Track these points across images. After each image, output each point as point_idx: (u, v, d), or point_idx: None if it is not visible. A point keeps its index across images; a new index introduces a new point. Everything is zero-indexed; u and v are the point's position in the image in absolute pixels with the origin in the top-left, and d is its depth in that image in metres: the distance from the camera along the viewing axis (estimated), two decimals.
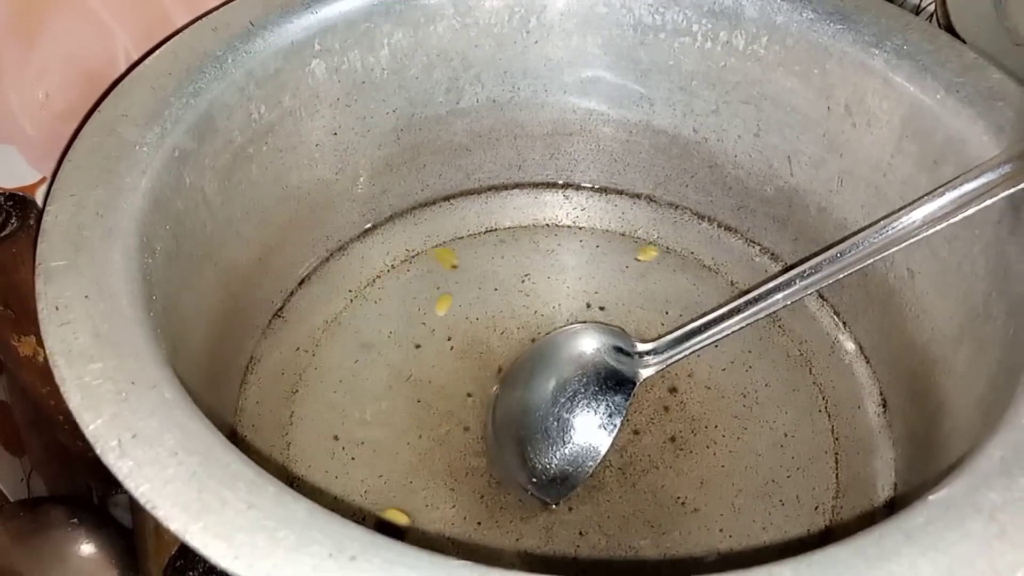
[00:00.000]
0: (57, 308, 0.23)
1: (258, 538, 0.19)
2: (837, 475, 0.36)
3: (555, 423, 0.34)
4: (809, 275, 0.32)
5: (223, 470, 0.20)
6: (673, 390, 0.38)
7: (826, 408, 0.38)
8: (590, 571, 0.33)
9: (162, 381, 0.22)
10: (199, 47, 0.33)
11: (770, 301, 0.32)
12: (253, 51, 0.34)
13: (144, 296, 0.26)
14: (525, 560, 0.33)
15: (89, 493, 0.51)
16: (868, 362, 0.38)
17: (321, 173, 0.39)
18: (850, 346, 0.39)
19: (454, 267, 0.42)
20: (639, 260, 0.43)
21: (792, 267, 0.32)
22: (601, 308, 0.42)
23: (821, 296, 0.41)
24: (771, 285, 0.32)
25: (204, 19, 0.34)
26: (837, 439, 0.37)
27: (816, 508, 0.35)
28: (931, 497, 0.20)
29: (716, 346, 0.38)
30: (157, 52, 0.32)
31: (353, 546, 0.19)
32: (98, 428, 0.21)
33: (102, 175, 0.28)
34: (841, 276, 0.31)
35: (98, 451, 0.20)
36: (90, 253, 0.25)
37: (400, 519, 0.34)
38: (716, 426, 0.37)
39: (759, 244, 0.43)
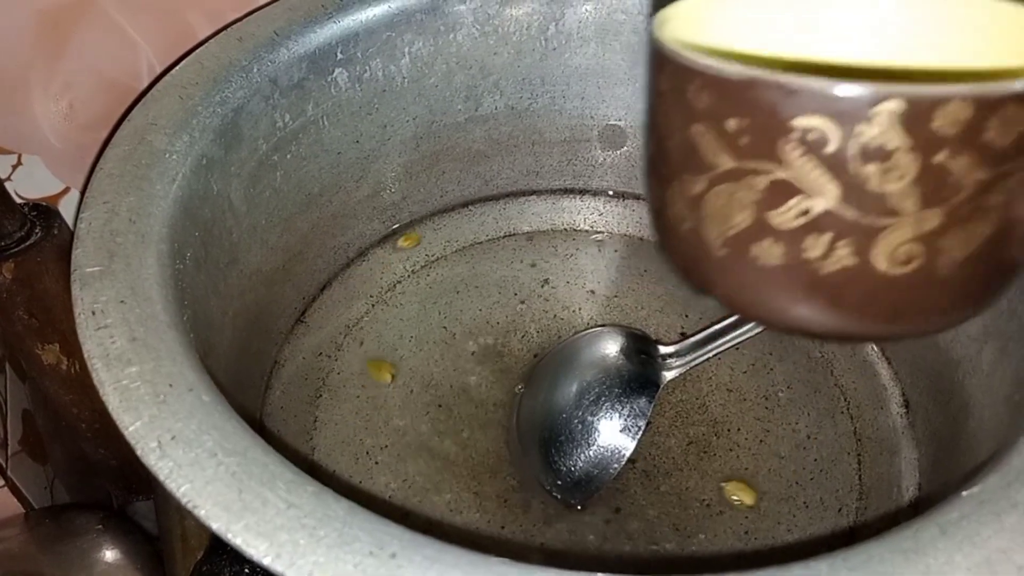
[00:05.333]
0: (94, 313, 0.24)
1: (299, 536, 0.19)
2: (860, 476, 0.36)
3: (579, 425, 0.34)
4: None
5: (262, 470, 0.20)
6: (695, 393, 0.38)
7: (848, 409, 0.38)
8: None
9: (199, 384, 0.23)
10: (225, 57, 0.33)
11: None
12: (278, 60, 0.34)
13: (177, 301, 0.26)
14: (551, 563, 0.33)
15: (109, 501, 0.52)
16: (889, 363, 0.38)
17: (343, 181, 0.40)
18: (871, 347, 0.39)
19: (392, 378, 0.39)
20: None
21: None
22: (621, 311, 0.42)
23: None
24: None
25: (229, 29, 0.34)
26: (860, 440, 0.37)
27: (840, 510, 0.35)
28: (965, 493, 0.20)
29: (737, 348, 0.39)
30: (184, 62, 0.33)
31: (393, 544, 0.19)
32: (137, 430, 0.21)
33: (134, 182, 0.28)
34: None
35: (138, 452, 0.21)
36: (125, 259, 0.25)
37: None
38: (739, 429, 0.37)
39: None
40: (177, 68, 0.32)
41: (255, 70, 0.33)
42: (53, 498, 0.48)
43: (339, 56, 0.36)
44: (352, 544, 0.19)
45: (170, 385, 0.22)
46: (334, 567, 0.18)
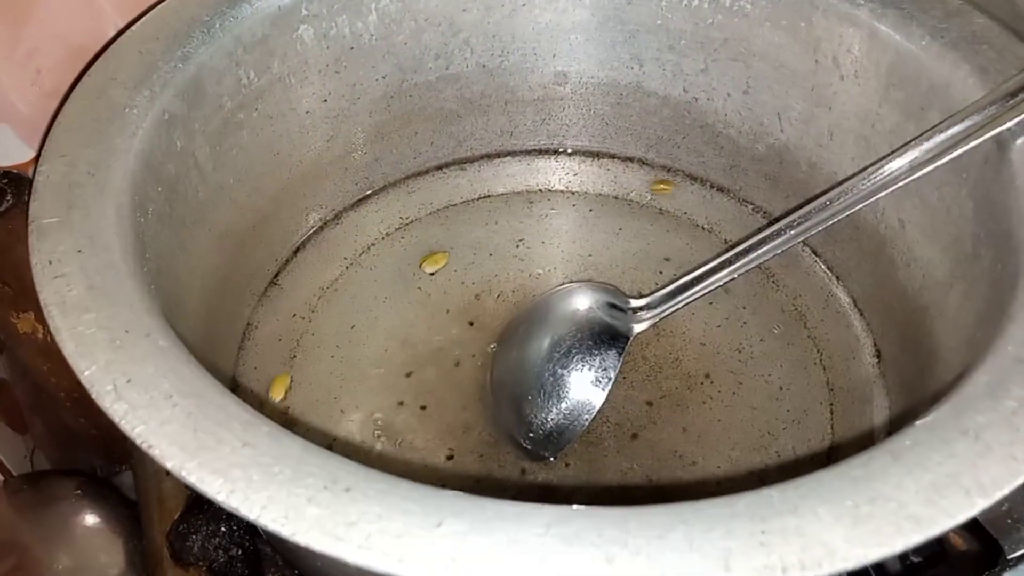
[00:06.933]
0: (51, 262, 0.24)
1: (253, 473, 0.19)
2: (832, 426, 0.36)
3: (551, 378, 0.34)
4: (797, 224, 0.32)
5: (218, 411, 0.20)
6: (668, 348, 0.38)
7: (820, 361, 0.38)
8: None
9: (156, 330, 0.23)
10: (186, 12, 0.33)
11: (760, 251, 0.33)
12: (241, 16, 0.34)
13: (137, 253, 0.26)
14: None
15: (93, 472, 0.52)
16: (862, 314, 0.39)
17: (312, 141, 0.40)
18: (844, 299, 0.39)
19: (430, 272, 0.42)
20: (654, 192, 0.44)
21: (781, 218, 0.33)
22: (596, 270, 0.42)
23: (814, 251, 0.41)
24: (761, 236, 0.33)
25: None
26: (832, 390, 0.37)
27: (812, 459, 0.35)
28: (919, 422, 0.20)
29: (711, 302, 0.39)
30: (144, 18, 0.33)
31: (348, 479, 0.19)
32: (93, 374, 0.21)
33: (93, 136, 0.28)
34: (829, 224, 0.31)
35: (93, 395, 0.21)
36: (83, 209, 0.25)
37: None
38: (712, 381, 0.37)
39: (751, 203, 0.43)
40: (137, 24, 0.32)
41: (217, 26, 0.33)
42: (34, 467, 0.48)
43: (304, 12, 0.36)
44: (306, 480, 0.19)
45: (127, 331, 0.22)
46: (287, 501, 0.18)
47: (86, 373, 0.21)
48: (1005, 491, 0.19)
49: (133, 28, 0.32)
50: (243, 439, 0.20)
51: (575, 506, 0.19)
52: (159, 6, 0.33)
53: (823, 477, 0.19)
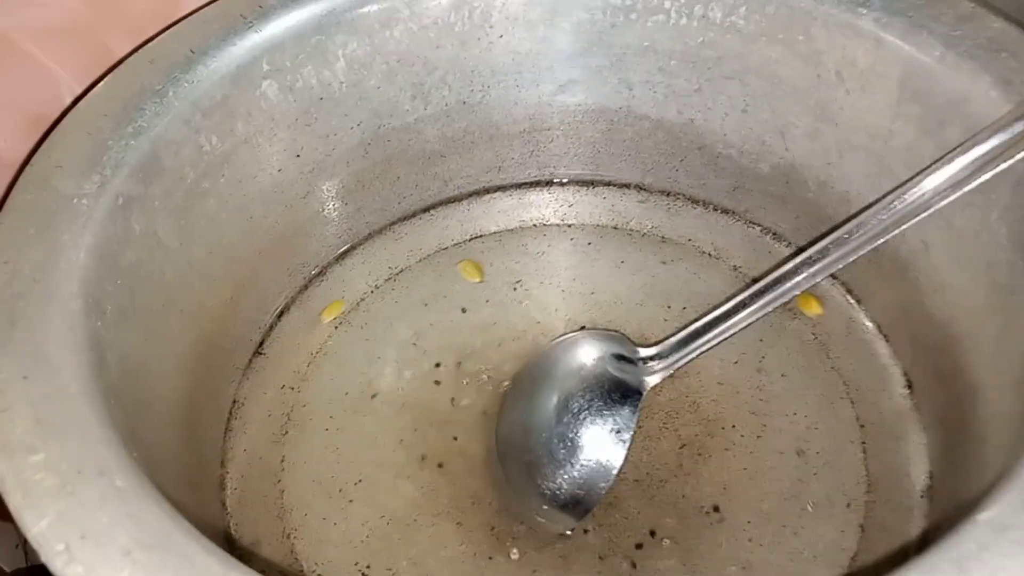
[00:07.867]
0: None
1: None
2: (867, 466, 0.33)
3: (561, 445, 0.31)
4: (816, 260, 0.29)
5: (182, 563, 0.18)
6: (684, 390, 0.36)
7: (848, 394, 0.35)
8: None
9: (113, 466, 0.20)
10: (136, 82, 0.30)
11: (777, 292, 0.30)
12: (196, 80, 0.31)
13: (93, 365, 0.23)
14: None
15: None
16: (888, 340, 0.36)
17: (288, 199, 0.37)
18: (867, 324, 0.37)
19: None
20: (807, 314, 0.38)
21: (798, 252, 0.30)
22: (599, 310, 0.39)
23: (832, 274, 0.38)
24: (777, 274, 0.30)
25: (140, 51, 0.32)
26: (863, 427, 0.34)
27: (848, 505, 0.32)
28: (981, 516, 0.18)
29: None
30: (91, 93, 0.30)
31: None
32: (42, 531, 0.19)
33: (37, 235, 0.25)
34: (851, 259, 0.29)
35: (43, 559, 0.18)
36: (27, 326, 0.23)
37: None
38: (733, 425, 0.35)
39: (759, 225, 0.41)
40: (82, 102, 0.30)
41: (171, 93, 0.31)
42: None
43: (265, 68, 0.33)
44: None
45: (79, 472, 0.20)
46: None
47: (34, 531, 0.19)
48: None
49: (78, 106, 0.30)
50: None
51: None
52: (106, 78, 0.31)
53: None
